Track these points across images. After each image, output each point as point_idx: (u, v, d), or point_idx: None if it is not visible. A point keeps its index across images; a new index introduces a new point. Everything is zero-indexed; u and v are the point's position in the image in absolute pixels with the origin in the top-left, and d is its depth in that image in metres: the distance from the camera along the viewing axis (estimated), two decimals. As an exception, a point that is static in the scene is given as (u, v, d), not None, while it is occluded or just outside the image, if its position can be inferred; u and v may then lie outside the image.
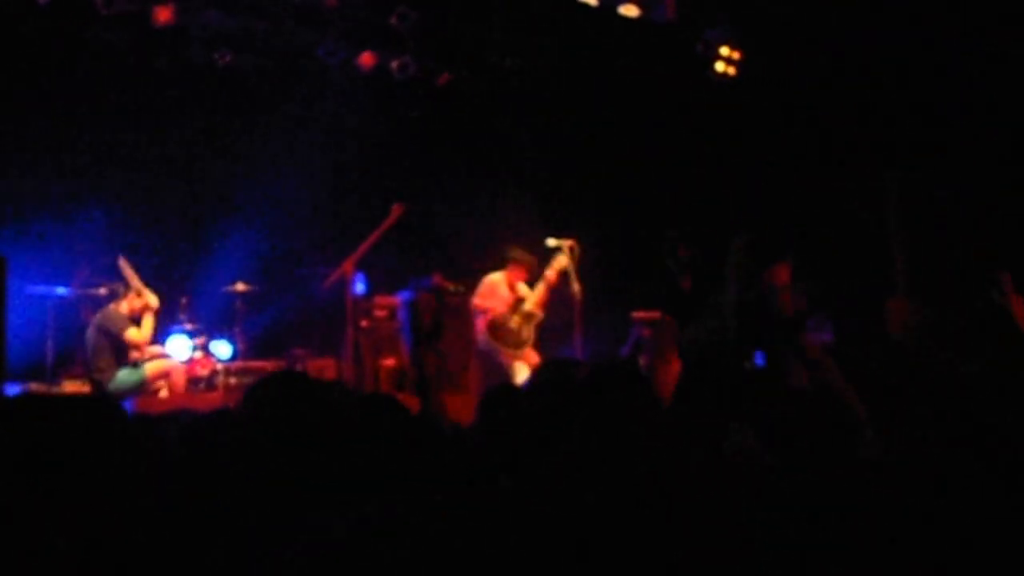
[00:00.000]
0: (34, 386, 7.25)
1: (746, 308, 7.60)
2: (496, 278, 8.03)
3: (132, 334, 7.47)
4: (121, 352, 7.46)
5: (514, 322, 7.88)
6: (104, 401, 2.84)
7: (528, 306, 7.92)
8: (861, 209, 9.16)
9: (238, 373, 7.99)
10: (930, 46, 8.00)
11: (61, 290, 7.72)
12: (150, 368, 7.54)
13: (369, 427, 2.25)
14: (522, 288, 8.00)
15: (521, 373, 7.61)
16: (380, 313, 8.74)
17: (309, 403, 2.25)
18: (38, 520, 1.53)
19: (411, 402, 7.28)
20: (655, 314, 8.53)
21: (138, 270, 7.79)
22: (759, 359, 6.47)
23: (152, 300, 7.63)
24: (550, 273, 7.92)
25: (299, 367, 8.13)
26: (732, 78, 9.41)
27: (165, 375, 7.63)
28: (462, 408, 7.02)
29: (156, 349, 7.78)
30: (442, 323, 7.78)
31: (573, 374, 3.28)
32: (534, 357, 7.83)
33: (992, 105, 7.99)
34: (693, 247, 7.52)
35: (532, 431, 2.69)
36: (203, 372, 7.98)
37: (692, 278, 7.45)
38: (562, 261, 7.89)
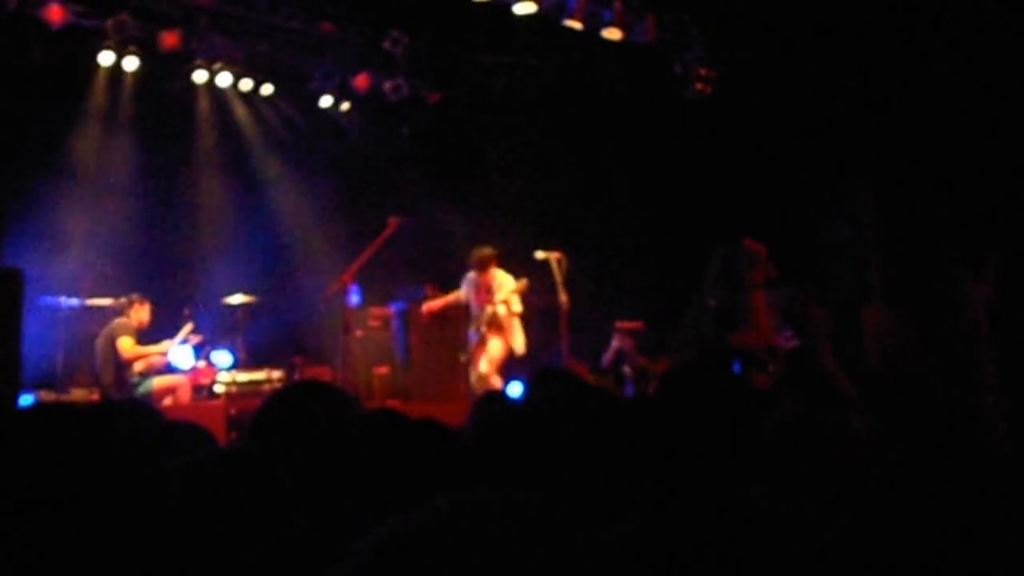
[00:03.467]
0: (44, 394, 7.47)
1: (725, 316, 7.91)
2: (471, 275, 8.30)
3: (123, 343, 7.69)
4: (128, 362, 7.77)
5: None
6: (136, 406, 2.97)
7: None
8: (838, 220, 9.36)
9: (239, 382, 8.28)
10: (907, 62, 8.23)
11: (71, 301, 7.98)
12: (158, 382, 7.85)
13: (382, 439, 2.24)
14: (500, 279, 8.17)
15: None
16: (374, 323, 9.03)
17: (333, 413, 2.34)
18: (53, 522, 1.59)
19: (404, 409, 7.57)
20: (637, 324, 8.84)
21: (143, 282, 8.11)
22: (737, 366, 6.71)
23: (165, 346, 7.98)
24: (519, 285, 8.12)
25: (297, 375, 8.39)
26: (708, 96, 9.68)
27: (172, 390, 7.93)
28: (451, 417, 7.26)
29: (165, 344, 8.03)
30: None
31: (567, 384, 3.31)
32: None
33: (968, 119, 8.20)
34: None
35: (526, 439, 2.61)
36: (205, 381, 8.25)
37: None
38: (523, 284, 8.09)
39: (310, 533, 1.86)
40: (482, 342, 8.08)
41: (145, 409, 2.89)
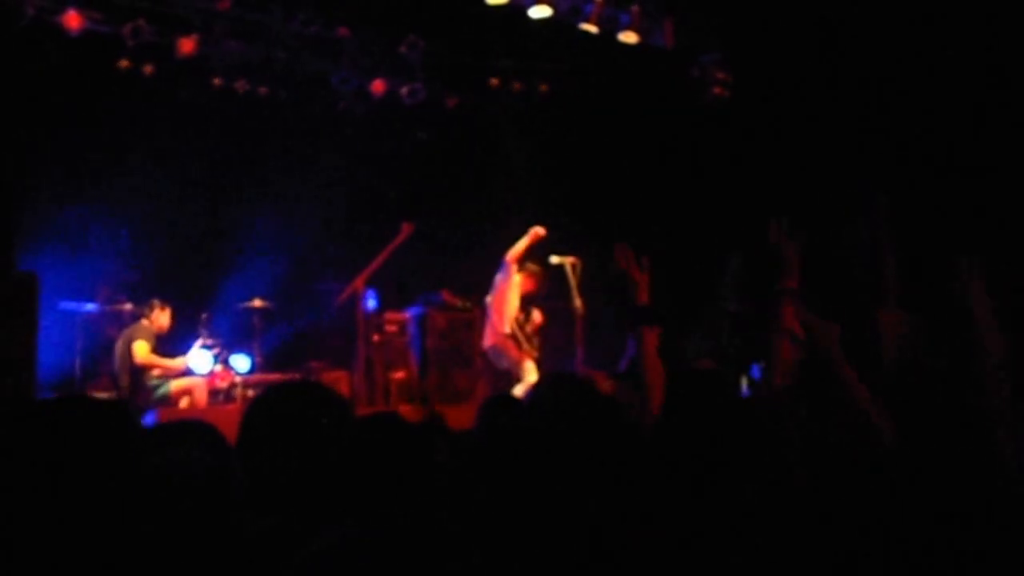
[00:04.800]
0: (62, 397, 7.55)
1: (744, 322, 7.86)
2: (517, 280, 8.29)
3: (139, 347, 7.75)
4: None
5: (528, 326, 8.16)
6: (115, 405, 2.94)
7: (528, 328, 8.19)
8: (854, 224, 9.31)
9: (256, 386, 8.27)
10: (924, 66, 8.19)
11: (89, 306, 8.06)
12: (175, 384, 7.91)
13: (371, 443, 2.25)
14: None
15: (532, 372, 7.91)
16: (391, 328, 9.02)
17: (321, 412, 2.29)
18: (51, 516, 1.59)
19: (419, 414, 7.59)
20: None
21: (161, 287, 8.17)
22: (755, 372, 6.65)
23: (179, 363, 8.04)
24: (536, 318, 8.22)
25: (313, 379, 8.40)
26: (726, 100, 9.65)
27: (188, 392, 7.98)
28: (466, 419, 7.27)
29: (179, 361, 8.09)
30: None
31: (576, 388, 3.42)
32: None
33: (986, 123, 8.15)
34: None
35: (534, 442, 2.66)
36: (222, 385, 8.30)
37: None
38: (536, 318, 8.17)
39: (292, 537, 1.86)
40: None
41: (118, 408, 2.83)
